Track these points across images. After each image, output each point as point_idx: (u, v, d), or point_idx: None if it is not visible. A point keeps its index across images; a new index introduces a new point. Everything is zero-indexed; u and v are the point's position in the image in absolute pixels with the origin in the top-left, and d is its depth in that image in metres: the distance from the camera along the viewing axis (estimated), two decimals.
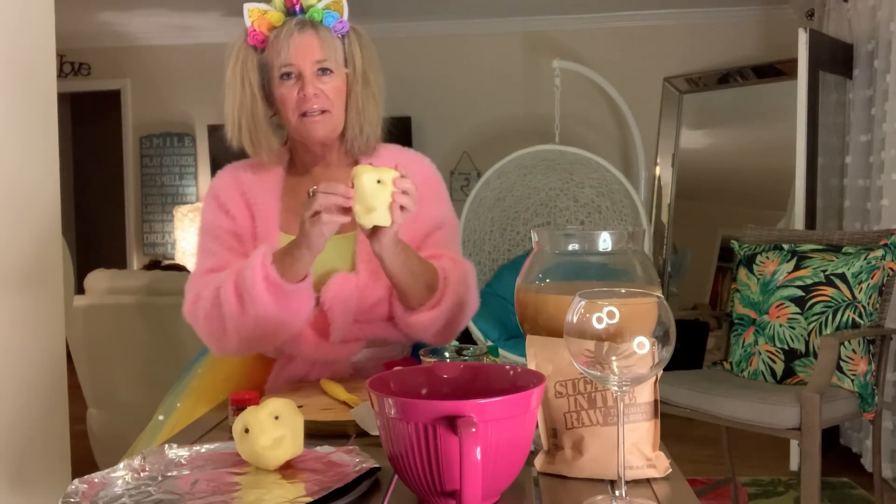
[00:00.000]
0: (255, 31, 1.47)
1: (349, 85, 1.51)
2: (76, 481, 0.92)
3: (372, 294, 1.50)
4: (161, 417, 1.59)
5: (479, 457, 0.80)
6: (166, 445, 1.06)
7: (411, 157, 1.64)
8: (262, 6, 1.47)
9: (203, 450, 1.07)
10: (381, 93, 1.55)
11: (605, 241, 1.03)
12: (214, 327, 1.42)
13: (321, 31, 1.46)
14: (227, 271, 1.43)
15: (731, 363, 2.70)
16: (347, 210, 1.25)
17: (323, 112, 1.46)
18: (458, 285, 1.46)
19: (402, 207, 1.27)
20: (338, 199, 1.24)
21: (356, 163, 1.57)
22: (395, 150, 1.63)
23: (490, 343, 4.06)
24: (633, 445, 0.97)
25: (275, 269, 1.34)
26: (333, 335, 1.48)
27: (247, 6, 1.47)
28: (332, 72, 1.46)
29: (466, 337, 4.21)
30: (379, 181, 1.24)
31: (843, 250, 2.56)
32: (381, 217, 1.24)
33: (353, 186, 1.24)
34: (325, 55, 1.45)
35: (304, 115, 1.46)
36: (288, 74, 1.45)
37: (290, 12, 1.47)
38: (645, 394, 0.97)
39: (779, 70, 4.83)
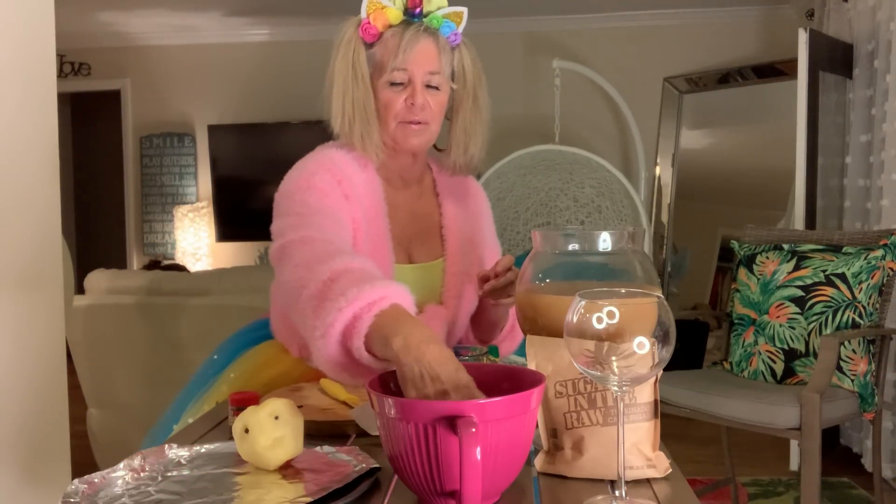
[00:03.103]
0: (369, 24, 1.42)
1: (457, 102, 1.48)
2: (76, 481, 0.92)
3: (457, 327, 1.52)
4: (191, 420, 1.53)
5: (479, 457, 0.80)
6: (166, 445, 1.06)
7: (475, 185, 1.66)
8: (383, 0, 1.41)
9: (203, 450, 1.07)
10: (487, 112, 1.51)
11: (605, 241, 1.03)
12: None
13: (440, 41, 1.43)
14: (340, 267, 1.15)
15: (731, 363, 2.70)
16: None
17: (422, 123, 1.43)
18: None
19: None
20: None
21: (437, 193, 1.57)
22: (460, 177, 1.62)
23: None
24: (633, 445, 0.97)
25: (374, 322, 1.05)
26: None
27: None
28: (439, 90, 1.43)
29: None
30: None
31: (843, 250, 2.56)
32: None
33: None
34: (440, 67, 1.42)
35: (403, 122, 1.43)
36: (398, 81, 1.41)
37: (409, 13, 1.42)
38: (645, 394, 0.97)
39: (779, 70, 4.83)
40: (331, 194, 1.39)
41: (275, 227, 1.36)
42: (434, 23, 1.43)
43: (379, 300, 1.05)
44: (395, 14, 1.42)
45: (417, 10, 1.42)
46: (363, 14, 1.42)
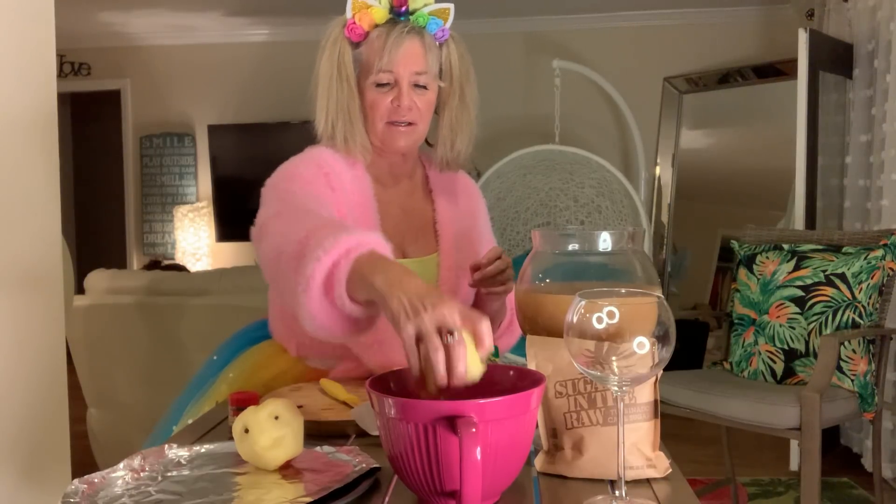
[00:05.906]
0: (355, 24, 1.41)
1: (444, 98, 1.48)
2: (76, 481, 0.92)
3: None
4: (191, 421, 1.52)
5: (479, 457, 0.80)
6: (166, 445, 1.06)
7: (471, 183, 1.66)
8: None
9: (203, 450, 1.07)
10: (475, 108, 1.50)
11: (605, 241, 1.03)
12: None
13: (426, 39, 1.41)
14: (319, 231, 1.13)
15: (731, 363, 2.70)
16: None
17: (410, 124, 1.43)
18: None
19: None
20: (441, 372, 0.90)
21: (430, 190, 1.57)
22: (454, 174, 1.62)
23: None
24: (633, 445, 0.97)
25: (353, 267, 1.05)
26: None
27: None
28: (426, 89, 1.43)
29: None
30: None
31: (843, 250, 2.56)
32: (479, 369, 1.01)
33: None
34: (427, 66, 1.41)
35: (390, 123, 1.43)
36: (384, 82, 1.40)
37: (395, 12, 1.41)
38: (645, 394, 0.97)
39: (779, 70, 4.83)
40: (315, 182, 1.39)
41: (258, 217, 1.37)
42: (420, 21, 1.42)
43: (356, 246, 1.05)
44: (380, 13, 1.41)
45: (403, 8, 1.41)
46: (348, 14, 1.41)
